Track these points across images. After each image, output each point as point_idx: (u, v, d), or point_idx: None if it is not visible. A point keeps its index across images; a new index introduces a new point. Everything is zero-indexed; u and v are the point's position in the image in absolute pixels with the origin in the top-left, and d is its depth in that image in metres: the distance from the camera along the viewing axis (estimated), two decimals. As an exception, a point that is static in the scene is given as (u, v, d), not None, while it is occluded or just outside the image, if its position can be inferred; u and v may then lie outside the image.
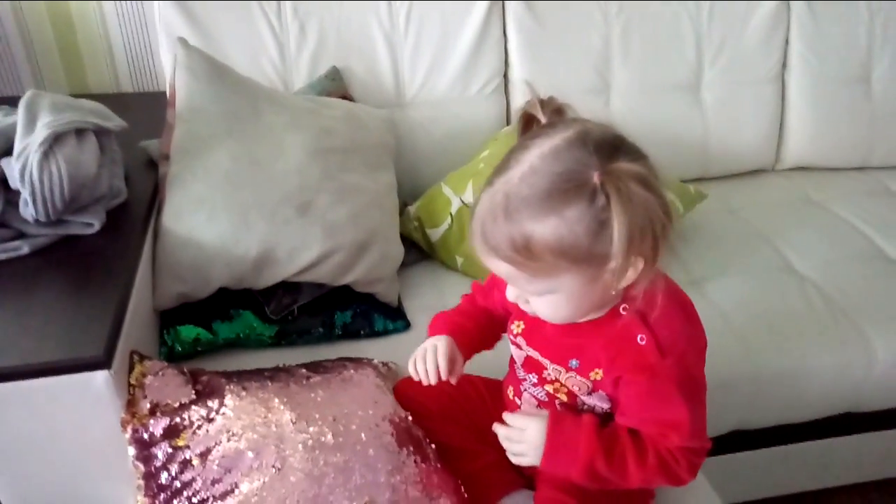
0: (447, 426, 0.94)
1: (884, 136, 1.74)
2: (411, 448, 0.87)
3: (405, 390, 0.97)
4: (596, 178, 0.60)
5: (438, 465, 0.88)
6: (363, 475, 0.80)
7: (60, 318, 0.87)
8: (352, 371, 0.98)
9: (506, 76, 1.55)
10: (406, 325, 1.19)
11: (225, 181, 1.10)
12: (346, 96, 1.42)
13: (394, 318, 1.19)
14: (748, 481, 1.33)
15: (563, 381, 0.79)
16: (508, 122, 1.56)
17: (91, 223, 1.02)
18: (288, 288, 1.14)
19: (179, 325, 1.09)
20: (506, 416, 0.79)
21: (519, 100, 1.55)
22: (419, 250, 1.36)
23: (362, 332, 1.16)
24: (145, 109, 1.49)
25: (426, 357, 0.82)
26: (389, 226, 1.23)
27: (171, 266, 1.07)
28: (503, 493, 0.89)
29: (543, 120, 0.69)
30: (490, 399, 0.95)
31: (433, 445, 0.91)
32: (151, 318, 1.08)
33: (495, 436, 0.92)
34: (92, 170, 1.01)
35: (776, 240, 1.48)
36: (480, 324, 0.89)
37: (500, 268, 0.67)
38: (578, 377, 0.77)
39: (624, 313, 0.71)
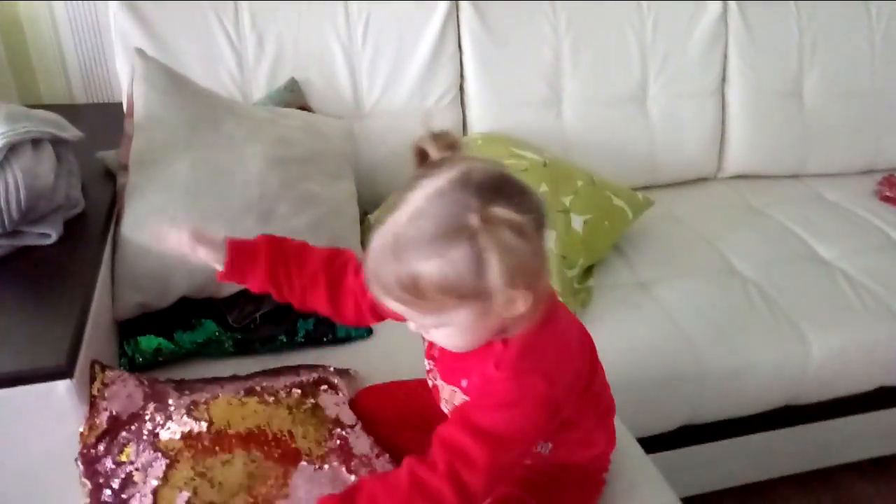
0: (404, 432, 0.96)
1: (815, 146, 1.86)
2: (360, 454, 0.88)
3: (362, 399, 1.00)
4: (474, 221, 0.62)
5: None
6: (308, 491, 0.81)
7: (20, 329, 0.86)
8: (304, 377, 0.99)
9: (462, 88, 1.60)
10: (368, 332, 1.21)
11: (185, 191, 1.11)
12: (305, 107, 1.44)
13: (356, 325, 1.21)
14: (698, 475, 1.39)
15: (455, 404, 0.81)
16: (465, 133, 1.60)
17: (48, 234, 1.01)
18: (250, 296, 1.14)
19: (140, 336, 1.09)
20: None
21: (475, 111, 1.60)
22: (379, 258, 1.38)
23: (325, 339, 1.18)
24: (100, 120, 1.48)
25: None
26: (350, 233, 1.25)
27: (131, 276, 1.07)
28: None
29: (435, 154, 0.69)
30: None
31: (386, 454, 0.92)
32: (111, 329, 1.07)
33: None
34: (49, 180, 1.00)
35: (719, 243, 1.56)
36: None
37: (392, 305, 0.69)
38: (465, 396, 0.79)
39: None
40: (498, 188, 0.64)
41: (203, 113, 1.19)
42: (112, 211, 1.14)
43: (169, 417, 0.85)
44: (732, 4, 1.73)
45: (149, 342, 1.09)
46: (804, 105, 1.83)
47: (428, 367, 0.86)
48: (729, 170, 1.83)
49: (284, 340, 1.16)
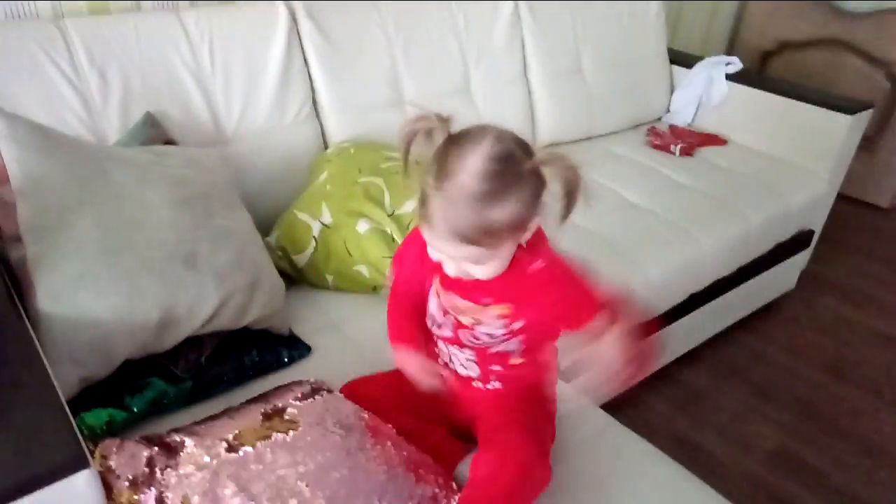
0: (397, 414, 1.05)
1: (597, 111, 2.25)
2: (378, 437, 0.98)
3: (353, 391, 1.07)
4: (528, 166, 0.81)
5: (408, 446, 1.00)
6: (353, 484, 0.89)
7: (6, 430, 0.77)
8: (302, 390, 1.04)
9: (315, 101, 1.65)
10: (308, 350, 1.25)
11: (100, 251, 1.04)
12: (169, 141, 1.38)
13: (294, 347, 1.24)
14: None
15: (479, 318, 0.96)
16: (326, 144, 1.66)
17: (-39, 329, 0.89)
18: (191, 344, 1.12)
19: (84, 412, 1.01)
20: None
21: (331, 121, 1.66)
22: (286, 278, 1.41)
23: (272, 367, 1.20)
24: None
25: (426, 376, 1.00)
26: (267, 259, 1.27)
27: (66, 351, 0.98)
28: (458, 460, 1.05)
29: (438, 129, 0.83)
30: None
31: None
32: (57, 413, 0.98)
33: (439, 414, 1.08)
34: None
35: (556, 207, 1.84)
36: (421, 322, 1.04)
37: (462, 252, 0.83)
38: (492, 311, 0.94)
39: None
40: (523, 141, 0.83)
41: (86, 165, 1.11)
42: (9, 289, 1.02)
43: (207, 453, 0.87)
44: (522, 4, 2.01)
45: (97, 416, 1.01)
46: (585, 79, 2.20)
47: (438, 294, 0.99)
48: (542, 141, 2.14)
49: (234, 377, 1.15)
